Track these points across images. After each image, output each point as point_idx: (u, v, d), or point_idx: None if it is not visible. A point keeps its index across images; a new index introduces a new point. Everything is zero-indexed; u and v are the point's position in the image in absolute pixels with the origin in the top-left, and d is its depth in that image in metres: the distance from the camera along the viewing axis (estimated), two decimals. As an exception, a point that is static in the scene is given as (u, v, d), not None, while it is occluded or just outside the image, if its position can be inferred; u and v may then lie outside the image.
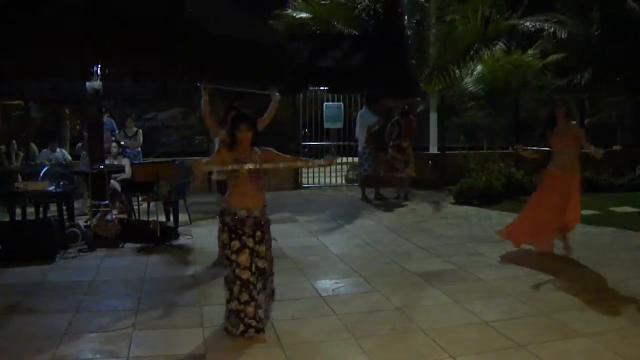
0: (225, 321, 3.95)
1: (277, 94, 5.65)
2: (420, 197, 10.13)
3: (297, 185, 11.75)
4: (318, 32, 12.23)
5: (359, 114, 10.27)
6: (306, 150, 11.77)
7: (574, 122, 6.11)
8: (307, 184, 11.98)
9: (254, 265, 3.84)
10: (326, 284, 5.20)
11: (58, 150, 10.26)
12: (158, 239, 6.56)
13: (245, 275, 3.80)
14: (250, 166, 3.78)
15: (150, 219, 7.05)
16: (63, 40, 8.97)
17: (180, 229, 7.30)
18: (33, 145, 10.86)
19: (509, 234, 6.32)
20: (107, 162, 8.62)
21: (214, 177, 5.84)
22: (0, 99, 12.56)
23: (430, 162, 11.75)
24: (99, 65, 8.83)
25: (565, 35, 11.57)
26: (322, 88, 11.99)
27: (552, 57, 11.56)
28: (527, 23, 11.73)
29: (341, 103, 11.92)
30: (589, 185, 9.52)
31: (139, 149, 10.09)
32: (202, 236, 7.10)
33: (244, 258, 3.81)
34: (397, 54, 11.33)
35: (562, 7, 12.10)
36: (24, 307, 4.62)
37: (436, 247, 6.55)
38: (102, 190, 7.39)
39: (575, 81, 11.62)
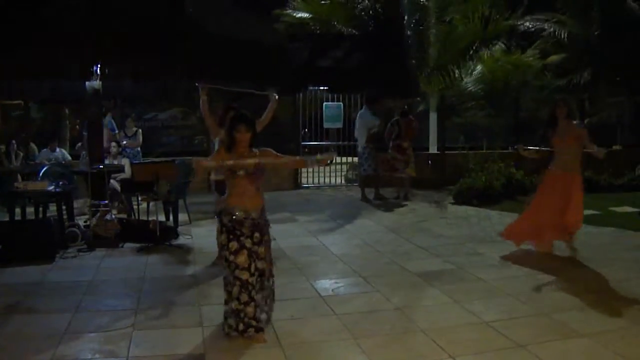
0: (224, 323, 3.94)
1: (275, 94, 5.62)
2: (420, 197, 10.13)
3: (297, 185, 11.75)
4: (318, 32, 12.24)
5: (358, 114, 10.27)
6: (306, 150, 11.77)
7: (575, 122, 6.10)
8: (307, 183, 11.98)
9: (253, 265, 3.83)
10: (326, 284, 5.19)
11: (58, 150, 10.27)
12: (158, 238, 6.56)
13: (245, 276, 3.80)
14: (250, 161, 3.77)
15: (150, 218, 7.05)
16: (63, 40, 8.99)
17: (179, 229, 7.29)
18: (33, 145, 10.87)
19: (510, 234, 6.32)
20: (106, 161, 8.62)
21: (212, 177, 5.84)
22: (0, 99, 12.57)
23: (429, 162, 11.75)
24: (99, 65, 8.84)
25: (565, 35, 11.57)
26: (321, 88, 11.99)
27: (553, 58, 11.58)
28: (527, 23, 11.74)
29: (341, 103, 11.93)
30: (589, 185, 9.49)
31: (139, 148, 10.08)
32: (202, 236, 7.09)
33: (242, 259, 3.80)
34: (397, 54, 11.33)
35: (562, 7, 12.10)
36: (23, 306, 4.62)
37: (436, 247, 6.55)
38: (102, 190, 7.40)
39: (575, 81, 11.62)
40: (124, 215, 7.93)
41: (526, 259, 5.90)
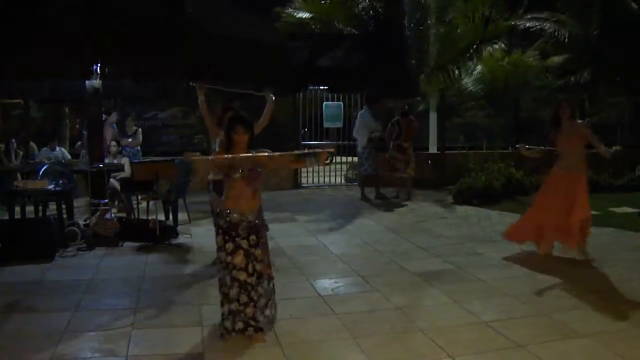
0: (220, 324, 3.92)
1: (271, 95, 5.56)
2: (420, 197, 10.13)
3: (297, 184, 11.75)
4: (318, 31, 12.23)
5: (359, 114, 10.28)
6: (306, 149, 11.77)
7: (579, 122, 6.09)
8: (307, 183, 11.98)
9: (250, 266, 3.82)
10: (325, 284, 5.19)
11: (57, 148, 10.27)
12: (157, 237, 6.56)
13: (242, 276, 3.79)
14: (247, 154, 3.75)
15: (150, 217, 7.05)
16: (63, 40, 8.98)
17: (179, 228, 7.30)
18: (32, 144, 10.88)
19: (512, 234, 6.29)
20: (106, 160, 8.62)
21: (211, 176, 5.83)
22: (1, 98, 12.58)
23: (429, 162, 11.75)
24: (99, 65, 8.84)
25: (566, 35, 11.57)
26: (322, 87, 12.00)
27: (553, 59, 11.57)
28: (527, 23, 11.73)
29: (341, 102, 11.94)
30: (588, 185, 9.50)
31: (139, 147, 10.08)
32: (201, 235, 7.09)
33: (239, 259, 3.79)
34: (397, 54, 11.32)
35: (562, 7, 12.10)
36: (23, 305, 4.62)
37: (435, 247, 6.55)
38: (102, 189, 7.39)
39: (575, 81, 11.62)
40: (123, 214, 7.94)
41: (526, 260, 5.89)
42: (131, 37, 9.32)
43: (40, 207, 7.43)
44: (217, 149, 4.88)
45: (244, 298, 3.79)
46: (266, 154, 3.81)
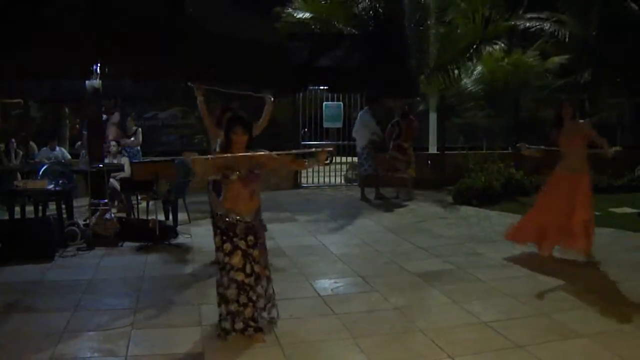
0: (218, 325, 3.92)
1: (270, 97, 5.54)
2: (420, 197, 10.13)
3: (297, 184, 11.75)
4: (318, 31, 12.23)
5: (359, 114, 10.27)
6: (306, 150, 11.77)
7: (583, 122, 6.09)
8: (307, 183, 11.98)
9: (248, 266, 3.81)
10: (325, 284, 5.19)
11: (57, 148, 10.27)
12: (157, 237, 6.56)
13: (240, 277, 3.79)
14: (246, 154, 3.75)
15: (150, 217, 7.05)
16: (63, 40, 8.99)
17: (179, 228, 7.30)
18: (32, 144, 10.87)
19: (513, 235, 6.26)
20: (106, 160, 8.62)
21: (210, 176, 5.81)
22: (1, 98, 12.58)
23: (429, 162, 11.75)
24: (99, 65, 8.85)
25: (566, 35, 11.56)
26: (321, 88, 11.99)
27: (554, 59, 11.55)
28: (527, 23, 11.73)
29: (341, 103, 11.94)
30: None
31: (139, 147, 10.08)
32: (201, 235, 7.08)
33: (236, 260, 3.79)
34: (397, 54, 11.32)
35: (562, 7, 12.10)
36: (22, 305, 4.62)
37: (435, 247, 6.55)
38: (101, 189, 7.39)
39: (575, 81, 11.61)
40: (123, 214, 7.93)
41: (526, 260, 5.89)
42: (131, 37, 9.33)
43: (40, 207, 7.43)
44: (217, 149, 4.88)
45: (243, 299, 3.79)
46: (265, 153, 3.82)
